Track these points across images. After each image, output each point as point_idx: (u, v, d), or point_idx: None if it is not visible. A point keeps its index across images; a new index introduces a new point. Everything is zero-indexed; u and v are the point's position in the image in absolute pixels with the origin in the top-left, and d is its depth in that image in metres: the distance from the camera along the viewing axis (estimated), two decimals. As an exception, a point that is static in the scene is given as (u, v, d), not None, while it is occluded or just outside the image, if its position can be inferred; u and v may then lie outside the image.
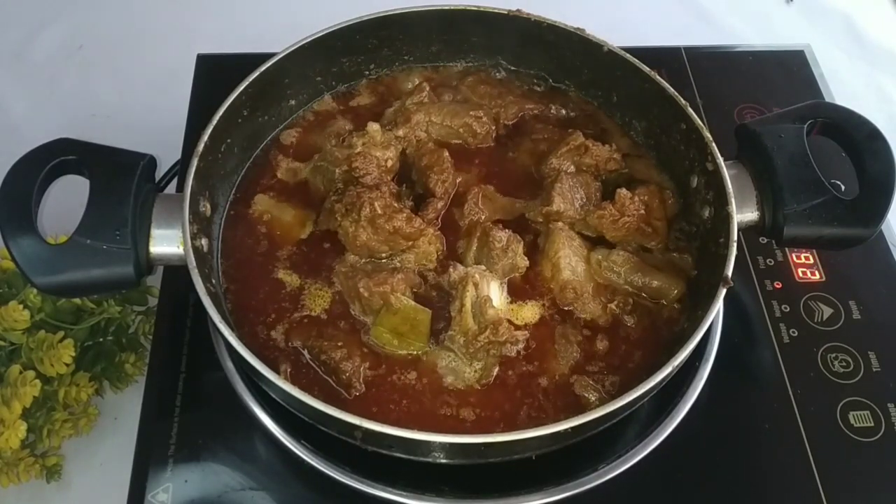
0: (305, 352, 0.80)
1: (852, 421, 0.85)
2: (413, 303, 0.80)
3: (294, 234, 0.88)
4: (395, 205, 0.84)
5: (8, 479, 0.84)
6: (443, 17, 0.98)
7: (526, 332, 0.80)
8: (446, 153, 0.91)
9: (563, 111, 1.00)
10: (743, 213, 0.82)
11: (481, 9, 0.96)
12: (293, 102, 0.97)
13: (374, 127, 0.90)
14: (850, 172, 0.85)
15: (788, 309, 0.93)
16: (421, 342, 0.79)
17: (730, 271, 0.76)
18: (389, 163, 0.89)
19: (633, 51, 0.93)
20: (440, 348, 0.80)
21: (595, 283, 0.84)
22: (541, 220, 0.88)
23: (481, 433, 0.70)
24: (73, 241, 0.74)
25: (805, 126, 0.84)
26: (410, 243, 0.84)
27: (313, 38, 0.92)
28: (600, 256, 0.84)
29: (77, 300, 0.91)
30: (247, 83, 0.88)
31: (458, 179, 0.91)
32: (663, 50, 1.17)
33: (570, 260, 0.83)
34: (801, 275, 0.96)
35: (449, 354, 0.79)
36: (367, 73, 1.01)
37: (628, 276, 0.84)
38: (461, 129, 0.95)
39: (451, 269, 0.82)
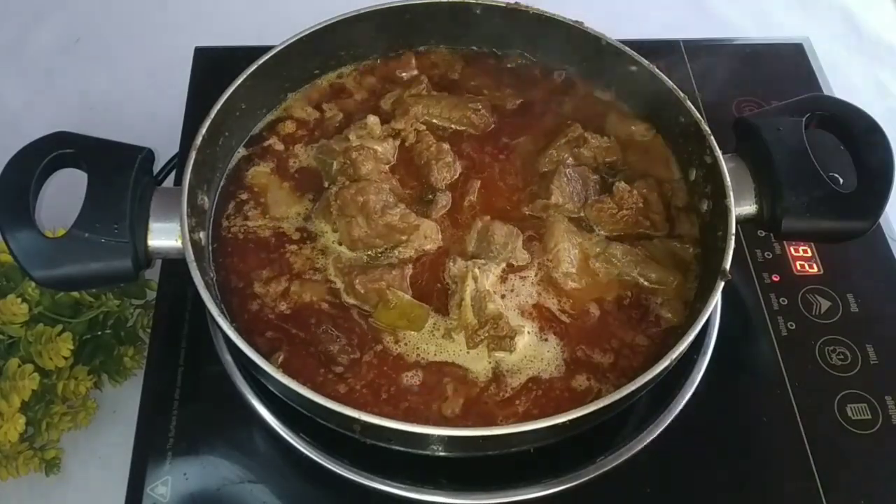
0: (302, 344, 0.79)
1: (850, 413, 0.86)
2: (410, 298, 0.80)
3: (288, 221, 0.87)
4: (390, 199, 0.84)
5: (7, 473, 0.84)
6: (440, 10, 0.98)
7: (525, 325, 0.80)
8: (447, 146, 0.91)
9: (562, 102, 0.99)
10: (741, 207, 0.82)
11: (479, 2, 0.96)
12: (291, 95, 0.97)
13: (372, 119, 0.90)
14: (849, 165, 0.84)
15: (786, 302, 0.93)
16: None
17: (728, 264, 0.76)
18: (386, 156, 0.89)
19: (632, 44, 0.92)
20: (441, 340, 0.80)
21: (594, 276, 0.84)
22: (540, 213, 0.88)
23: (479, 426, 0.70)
24: (71, 235, 0.74)
25: (803, 119, 0.84)
26: (406, 237, 0.84)
27: (311, 30, 0.92)
28: (599, 249, 0.84)
29: (75, 294, 0.91)
30: (245, 76, 0.88)
31: (459, 172, 0.91)
32: (662, 43, 1.17)
33: (569, 253, 0.83)
34: (799, 268, 0.96)
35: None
36: (365, 65, 1.01)
37: (627, 267, 0.83)
38: (460, 122, 0.94)
39: (450, 264, 0.82)
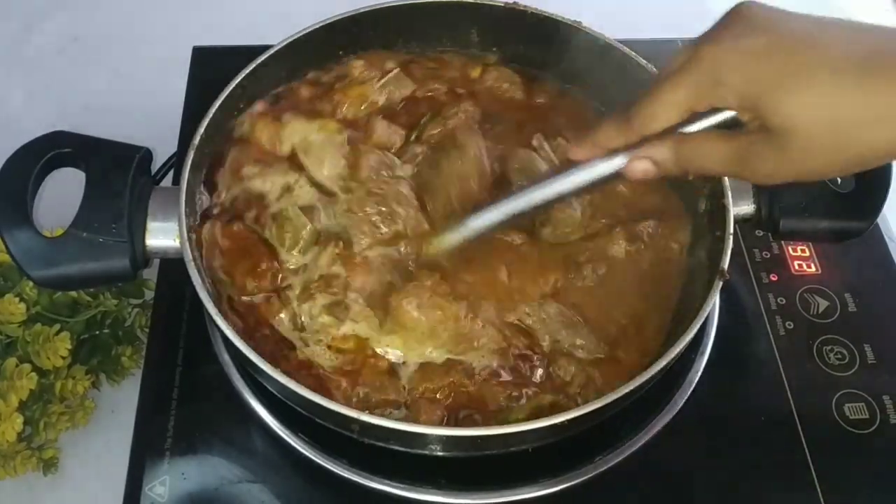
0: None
1: (847, 413, 0.86)
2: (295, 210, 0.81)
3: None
4: None
5: (5, 472, 0.84)
6: (436, 10, 0.97)
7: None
8: None
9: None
10: (739, 206, 0.82)
11: (476, 1, 0.96)
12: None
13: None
14: (847, 165, 0.84)
15: (784, 301, 0.94)
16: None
17: (726, 264, 0.76)
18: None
19: (630, 43, 0.92)
20: None
21: None
22: None
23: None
24: (69, 234, 0.74)
25: (801, 118, 0.84)
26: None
27: (310, 29, 0.92)
28: None
29: (73, 293, 0.90)
30: (243, 76, 0.87)
31: None
32: (660, 42, 1.16)
33: None
34: (797, 267, 0.96)
35: None
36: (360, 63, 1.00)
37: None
38: None
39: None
